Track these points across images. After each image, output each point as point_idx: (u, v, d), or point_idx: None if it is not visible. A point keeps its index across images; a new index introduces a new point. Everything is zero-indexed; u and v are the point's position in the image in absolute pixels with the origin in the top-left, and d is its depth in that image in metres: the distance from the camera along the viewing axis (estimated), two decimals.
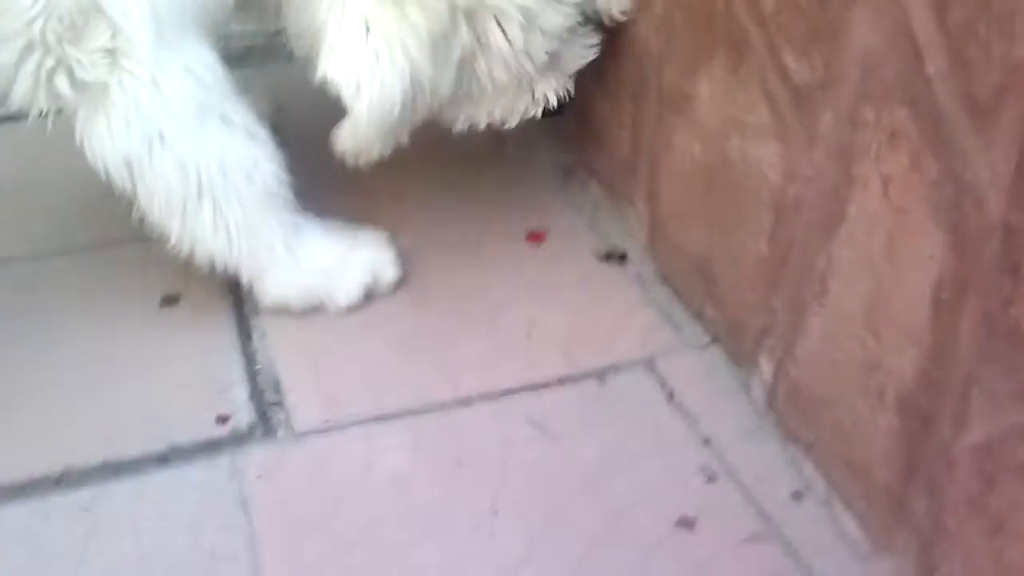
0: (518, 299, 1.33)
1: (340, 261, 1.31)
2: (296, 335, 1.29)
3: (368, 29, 1.17)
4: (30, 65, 1.13)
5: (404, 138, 1.27)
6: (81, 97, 1.15)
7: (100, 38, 1.12)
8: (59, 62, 1.13)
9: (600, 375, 1.21)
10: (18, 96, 1.16)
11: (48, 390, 1.21)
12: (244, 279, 1.29)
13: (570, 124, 1.51)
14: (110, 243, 1.44)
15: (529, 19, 1.22)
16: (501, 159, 1.58)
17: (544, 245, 1.41)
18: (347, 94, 1.18)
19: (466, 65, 1.24)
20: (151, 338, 1.29)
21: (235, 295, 1.35)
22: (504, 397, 1.19)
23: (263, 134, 1.24)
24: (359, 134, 1.21)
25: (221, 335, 1.29)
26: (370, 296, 1.33)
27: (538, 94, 1.31)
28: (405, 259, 1.37)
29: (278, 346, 1.27)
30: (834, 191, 0.96)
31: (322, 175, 1.28)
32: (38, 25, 1.11)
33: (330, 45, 1.18)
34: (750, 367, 1.15)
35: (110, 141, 1.17)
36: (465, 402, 1.18)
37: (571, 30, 1.28)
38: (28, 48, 1.12)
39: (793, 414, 1.08)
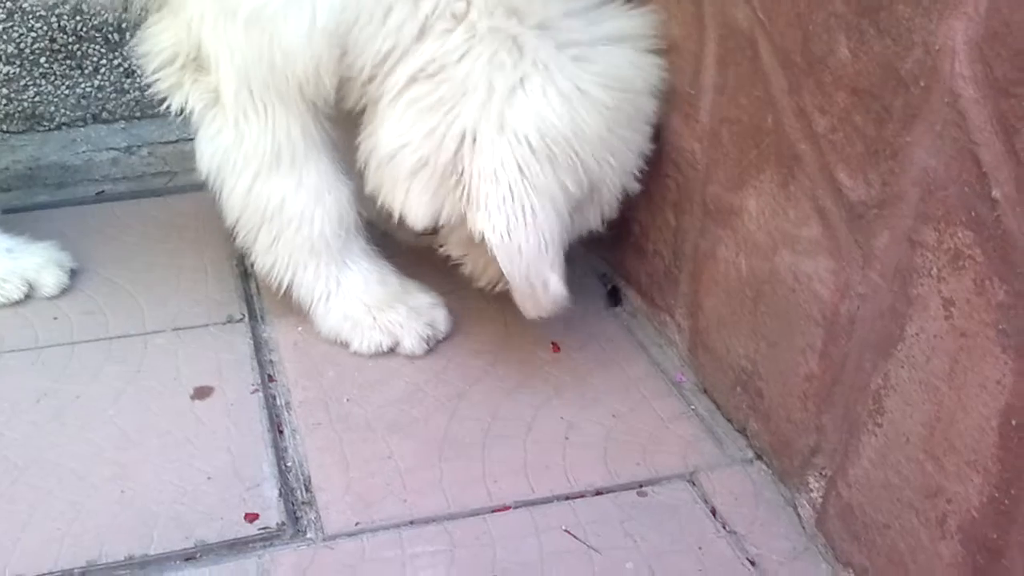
0: (553, 403, 1.31)
1: (365, 317, 1.41)
2: (327, 432, 1.27)
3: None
4: (168, 75, 1.37)
5: None
6: (190, 113, 1.37)
7: (211, 78, 1.33)
8: (180, 84, 1.36)
9: (640, 486, 1.18)
10: (163, 87, 1.38)
11: (77, 477, 1.19)
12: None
13: (608, 232, 1.52)
14: (144, 333, 1.44)
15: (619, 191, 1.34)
16: None
17: (580, 349, 1.40)
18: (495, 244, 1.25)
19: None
20: (181, 429, 1.27)
21: (266, 390, 1.34)
22: (541, 505, 1.16)
23: (330, 199, 1.37)
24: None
25: (252, 430, 1.27)
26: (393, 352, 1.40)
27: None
28: (435, 366, 1.38)
29: (309, 443, 1.25)
30: (891, 311, 0.95)
31: None
32: (170, 53, 1.36)
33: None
34: (798, 486, 1.12)
35: (202, 154, 1.37)
36: (501, 509, 1.15)
37: None
38: (162, 66, 1.37)
39: (845, 537, 1.04)
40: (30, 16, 1.80)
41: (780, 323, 1.13)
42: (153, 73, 1.37)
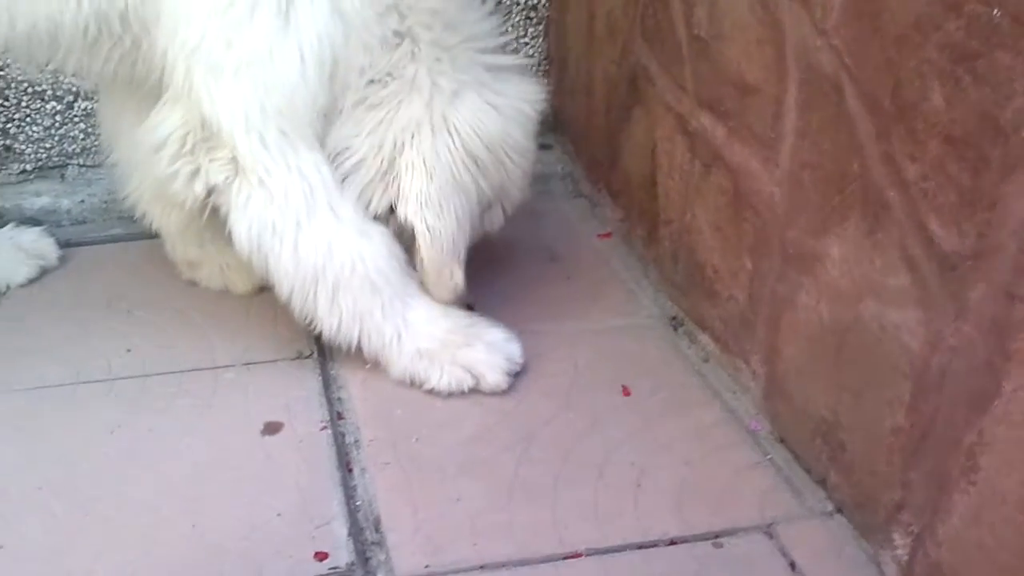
0: (624, 448, 1.29)
1: (441, 353, 1.40)
2: (396, 472, 1.26)
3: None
4: (180, 167, 1.36)
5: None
6: (216, 196, 1.36)
7: (225, 149, 1.33)
8: (197, 168, 1.35)
9: (716, 537, 1.15)
10: (174, 190, 1.38)
11: (149, 510, 1.20)
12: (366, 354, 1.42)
13: (679, 274, 1.51)
14: (214, 367, 1.45)
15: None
16: (605, 304, 1.58)
17: (651, 394, 1.38)
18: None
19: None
20: (251, 465, 1.27)
21: (335, 428, 1.34)
22: (614, 554, 1.14)
23: (375, 230, 1.38)
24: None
25: (320, 467, 1.27)
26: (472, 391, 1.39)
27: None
28: (503, 406, 1.36)
29: (378, 482, 1.24)
30: (987, 365, 0.92)
31: None
32: (180, 135, 1.35)
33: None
34: (881, 542, 1.08)
35: (237, 233, 1.36)
36: (573, 556, 1.13)
37: None
38: (176, 156, 1.36)
39: None
40: None
41: (864, 373, 1.10)
42: (170, 165, 1.36)
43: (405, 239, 1.40)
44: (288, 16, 1.27)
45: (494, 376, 1.38)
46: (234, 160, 1.32)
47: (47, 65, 1.41)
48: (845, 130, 1.11)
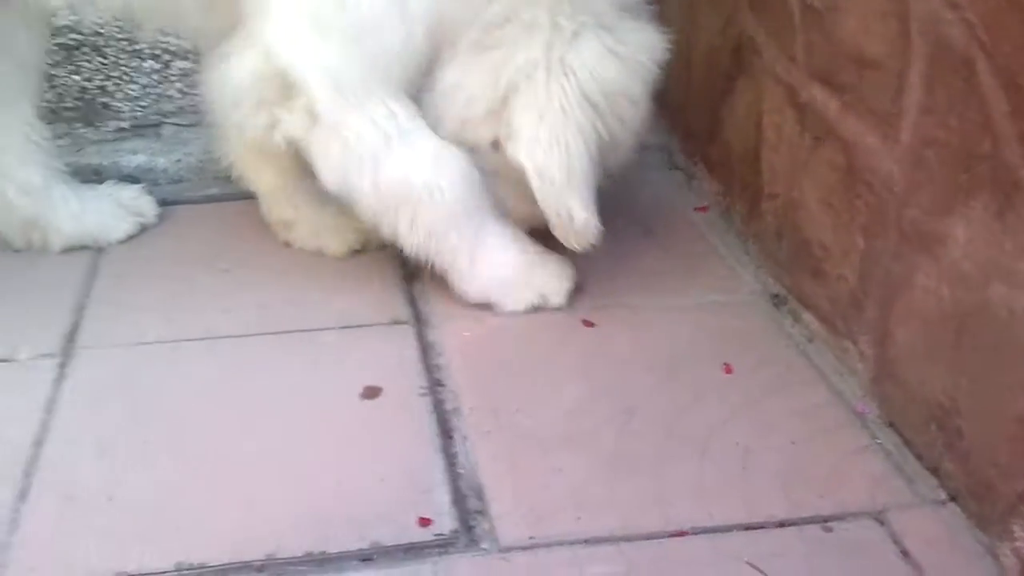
0: (728, 425, 1.27)
1: (514, 277, 1.48)
2: (498, 441, 1.25)
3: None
4: (258, 120, 1.42)
5: None
6: (295, 144, 1.42)
7: (301, 100, 1.37)
8: (275, 119, 1.40)
9: (825, 521, 1.13)
10: (253, 139, 1.44)
11: (253, 471, 1.21)
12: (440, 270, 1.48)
13: (782, 250, 1.48)
14: (312, 329, 1.46)
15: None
16: (704, 280, 1.55)
17: (753, 372, 1.36)
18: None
19: None
20: (352, 429, 1.28)
21: (434, 394, 1.34)
22: (720, 534, 1.12)
23: (450, 157, 1.42)
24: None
25: (421, 433, 1.27)
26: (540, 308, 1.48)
27: None
28: (604, 378, 1.35)
29: (480, 451, 1.24)
30: None
31: None
32: (259, 89, 1.40)
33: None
34: (1000, 533, 1.05)
35: (322, 174, 1.43)
36: (678, 534, 1.12)
37: None
38: (256, 107, 1.40)
39: None
40: None
41: (988, 359, 1.07)
42: (243, 117, 1.41)
43: (513, 178, 1.44)
44: None
45: (558, 298, 1.48)
46: (310, 111, 1.37)
47: (160, 30, 1.43)
48: (976, 107, 1.07)
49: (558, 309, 1.48)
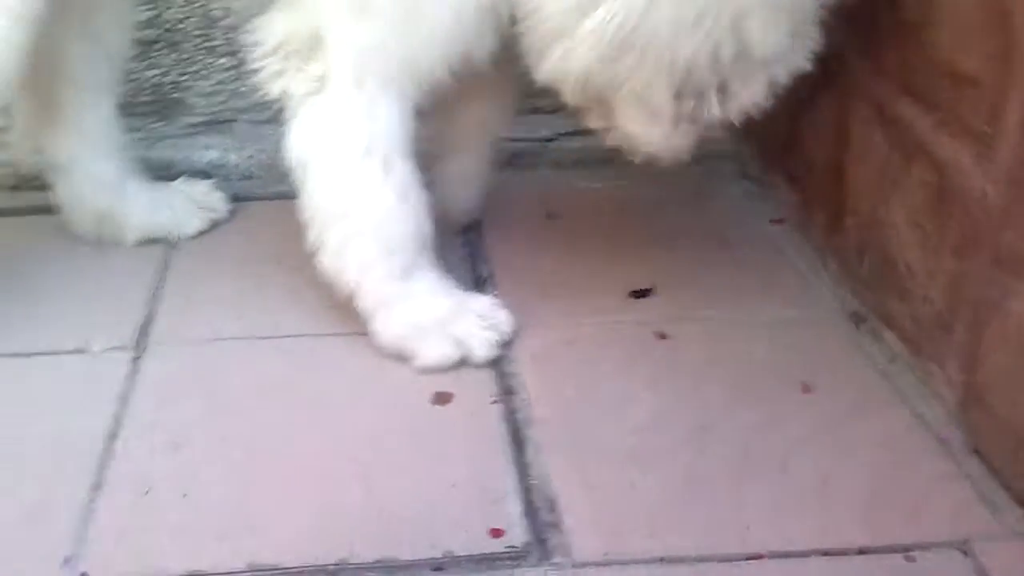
0: (807, 447, 1.23)
1: (433, 325, 1.38)
2: (570, 453, 1.23)
3: None
4: (268, 63, 1.37)
5: None
6: (288, 102, 1.37)
7: (319, 65, 1.33)
8: (282, 70, 1.36)
9: (907, 551, 1.10)
10: (263, 76, 1.39)
11: (324, 473, 1.20)
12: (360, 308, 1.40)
13: (864, 268, 1.44)
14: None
15: None
16: (781, 294, 1.52)
17: (832, 393, 1.32)
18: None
19: None
20: (423, 434, 1.27)
21: (506, 403, 1.32)
22: (798, 559, 1.09)
23: (415, 197, 1.37)
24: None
25: (492, 442, 1.25)
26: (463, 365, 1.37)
27: None
28: (678, 393, 1.32)
29: (552, 462, 1.22)
30: None
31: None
32: (286, 38, 1.34)
33: None
34: None
35: (294, 142, 1.37)
36: (755, 558, 1.09)
37: None
38: (267, 54, 1.36)
39: None
40: None
41: None
42: (258, 60, 1.38)
43: None
44: None
45: (482, 350, 1.37)
46: (322, 79, 1.33)
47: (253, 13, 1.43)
48: None
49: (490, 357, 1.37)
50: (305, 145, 1.36)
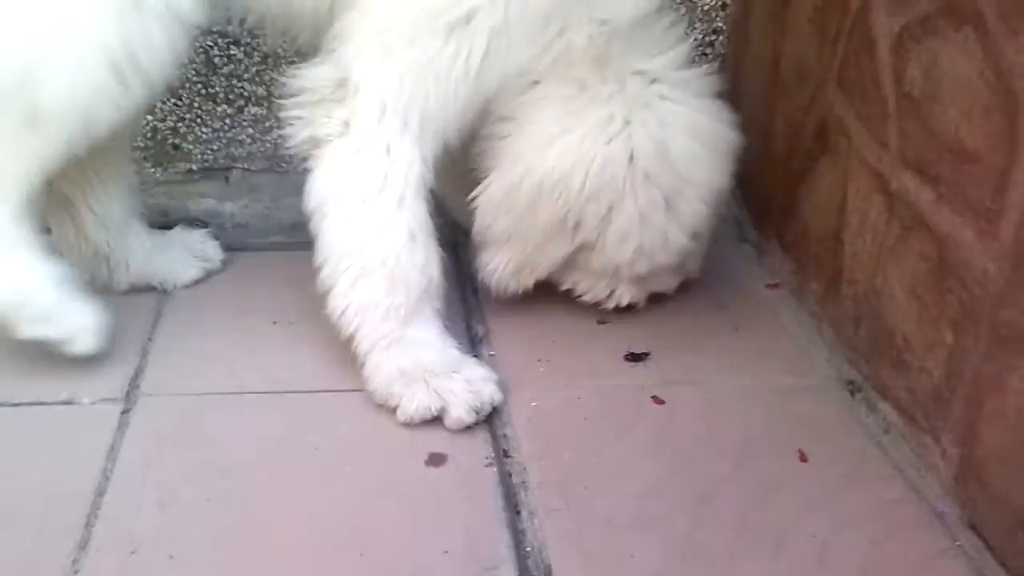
0: (803, 518, 1.23)
1: (423, 379, 1.37)
2: (566, 519, 1.22)
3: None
4: (297, 112, 1.41)
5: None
6: (312, 149, 1.40)
7: (344, 110, 1.38)
8: (310, 118, 1.40)
9: None
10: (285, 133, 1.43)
11: (318, 535, 1.18)
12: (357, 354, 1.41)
13: (860, 337, 1.44)
14: None
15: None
16: (777, 361, 1.52)
17: (829, 463, 1.32)
18: None
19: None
20: (417, 497, 1.25)
21: (501, 466, 1.31)
22: None
23: (425, 240, 1.40)
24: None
25: (487, 506, 1.24)
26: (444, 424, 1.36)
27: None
28: (675, 460, 1.32)
29: (547, 529, 1.21)
30: None
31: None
32: (316, 87, 1.40)
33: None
34: None
35: (314, 185, 1.40)
36: None
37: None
38: (300, 103, 1.41)
39: None
40: (282, 61, 1.85)
41: None
42: (291, 109, 1.41)
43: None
44: (467, 25, 1.33)
45: (458, 411, 1.35)
46: (347, 124, 1.38)
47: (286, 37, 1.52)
48: None
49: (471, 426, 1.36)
50: (325, 186, 1.39)
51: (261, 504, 1.22)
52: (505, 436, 1.36)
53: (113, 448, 1.30)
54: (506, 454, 1.33)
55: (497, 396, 1.39)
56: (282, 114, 1.43)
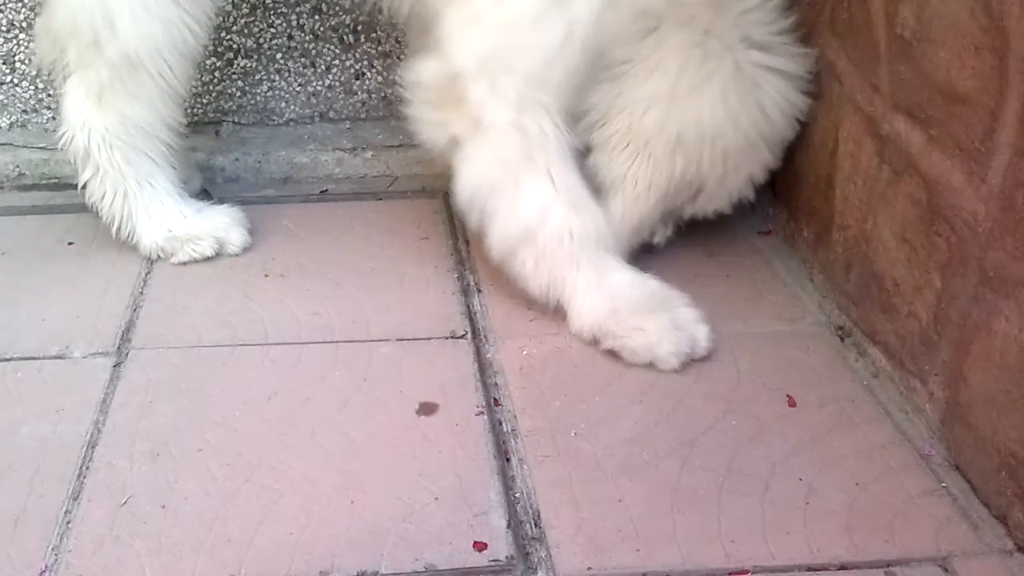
0: (791, 461, 1.24)
1: (630, 319, 1.40)
2: (556, 466, 1.23)
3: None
4: (428, 114, 1.47)
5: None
6: (454, 146, 1.44)
7: (469, 106, 1.41)
8: (444, 119, 1.44)
9: (888, 566, 1.10)
10: (429, 127, 1.48)
11: (308, 483, 1.19)
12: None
13: (850, 282, 1.44)
14: (368, 340, 1.44)
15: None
16: (767, 307, 1.52)
17: (817, 407, 1.32)
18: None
19: None
20: (408, 445, 1.26)
21: (491, 414, 1.32)
22: (782, 574, 1.09)
23: (586, 204, 1.44)
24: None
25: (477, 454, 1.25)
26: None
27: None
28: (664, 407, 1.32)
29: (537, 475, 1.22)
30: None
31: None
32: (431, 84, 1.45)
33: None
34: None
35: (461, 185, 1.44)
36: (739, 572, 1.09)
37: None
38: (424, 102, 1.46)
39: None
40: (271, 12, 1.84)
41: None
42: (419, 104, 1.46)
43: None
44: None
45: (666, 351, 1.37)
46: (477, 119, 1.40)
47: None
48: None
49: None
50: (473, 182, 1.43)
51: (252, 455, 1.23)
52: (496, 385, 1.37)
53: (105, 401, 1.31)
54: (496, 402, 1.33)
55: (707, 340, 1.40)
56: (410, 113, 1.48)
